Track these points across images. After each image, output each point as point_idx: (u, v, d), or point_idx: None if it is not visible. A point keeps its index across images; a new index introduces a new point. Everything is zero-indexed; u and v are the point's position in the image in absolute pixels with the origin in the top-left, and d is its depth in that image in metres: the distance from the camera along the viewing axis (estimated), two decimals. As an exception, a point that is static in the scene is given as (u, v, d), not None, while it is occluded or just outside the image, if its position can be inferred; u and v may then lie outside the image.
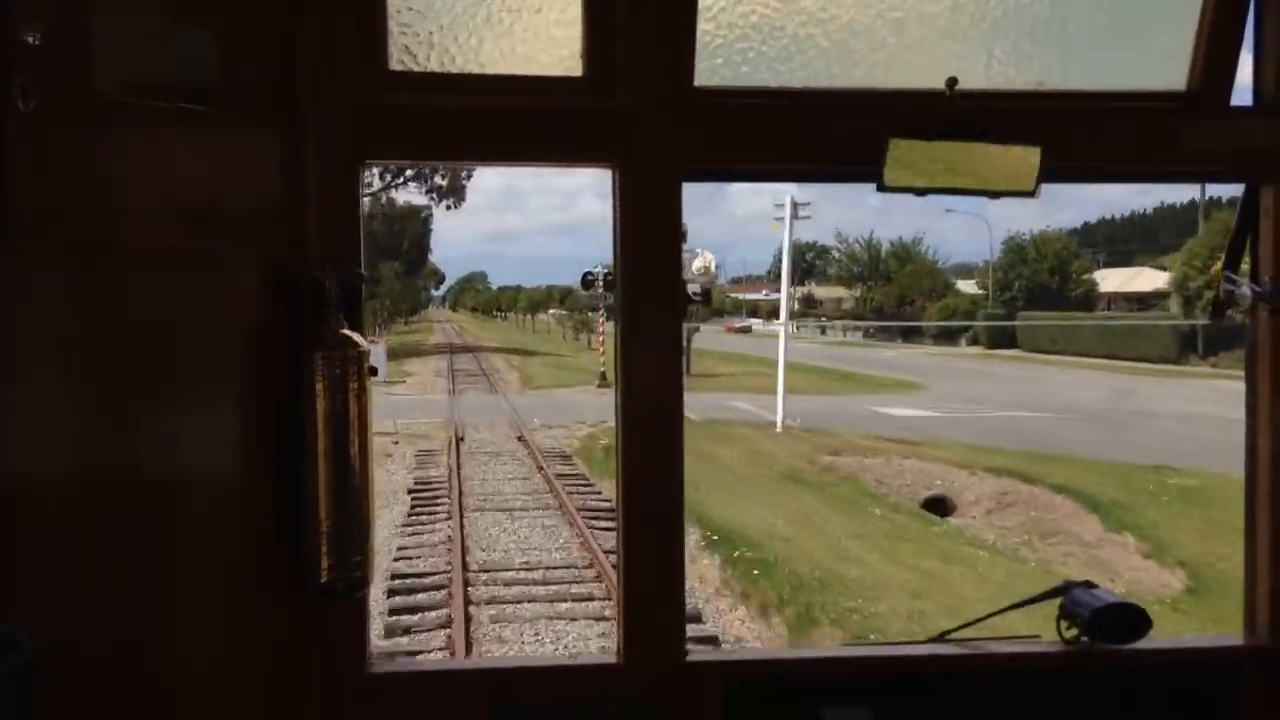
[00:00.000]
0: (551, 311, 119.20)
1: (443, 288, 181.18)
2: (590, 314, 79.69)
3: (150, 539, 2.01)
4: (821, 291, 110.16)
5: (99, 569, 1.90)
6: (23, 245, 1.73)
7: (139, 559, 1.99)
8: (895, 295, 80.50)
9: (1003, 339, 67.64)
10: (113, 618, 1.94)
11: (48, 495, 1.82)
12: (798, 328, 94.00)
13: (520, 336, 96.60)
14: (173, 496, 2.06)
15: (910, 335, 77.28)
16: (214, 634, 2.14)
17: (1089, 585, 2.63)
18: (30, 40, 1.74)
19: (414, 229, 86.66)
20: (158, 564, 2.03)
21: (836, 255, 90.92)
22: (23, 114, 1.70)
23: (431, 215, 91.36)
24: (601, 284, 40.20)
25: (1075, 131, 2.53)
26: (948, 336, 71.05)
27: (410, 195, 74.84)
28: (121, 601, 1.96)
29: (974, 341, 70.05)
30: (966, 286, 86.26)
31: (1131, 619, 2.54)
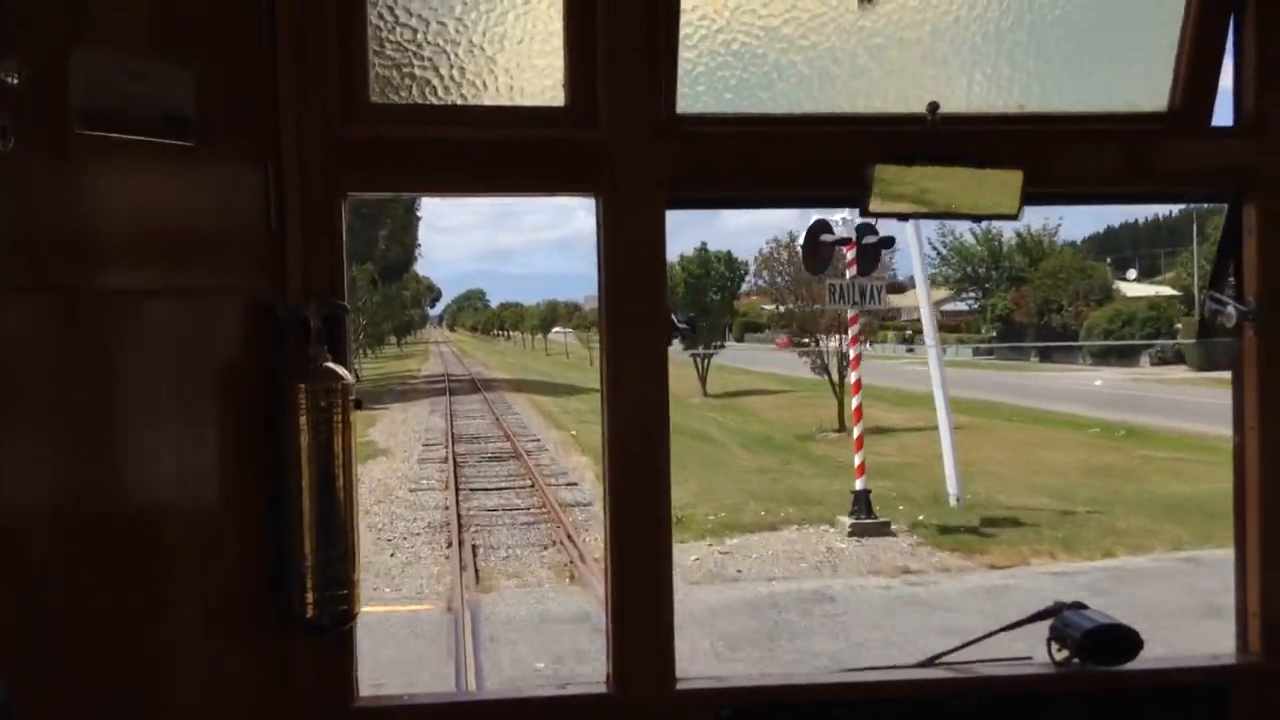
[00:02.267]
0: (560, 330, 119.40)
1: (439, 305, 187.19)
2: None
3: (131, 575, 2.50)
4: (898, 300, 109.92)
5: (77, 608, 2.37)
6: (1, 282, 2.19)
7: (119, 596, 2.47)
8: (1036, 300, 78.37)
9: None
10: (92, 657, 2.40)
11: (25, 534, 2.27)
12: (870, 343, 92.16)
13: (534, 362, 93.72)
14: (154, 533, 2.56)
15: (1048, 354, 70.64)
16: (197, 670, 2.63)
17: (1079, 606, 3.21)
18: (9, 80, 2.23)
19: (394, 217, 76.26)
20: (139, 601, 2.51)
21: (940, 253, 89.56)
22: (1, 154, 2.19)
23: (418, 200, 73.89)
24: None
25: (1058, 153, 3.13)
26: (1114, 356, 66.34)
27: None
28: (101, 641, 2.42)
29: (1163, 361, 65.52)
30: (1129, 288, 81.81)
31: (1123, 640, 3.11)
